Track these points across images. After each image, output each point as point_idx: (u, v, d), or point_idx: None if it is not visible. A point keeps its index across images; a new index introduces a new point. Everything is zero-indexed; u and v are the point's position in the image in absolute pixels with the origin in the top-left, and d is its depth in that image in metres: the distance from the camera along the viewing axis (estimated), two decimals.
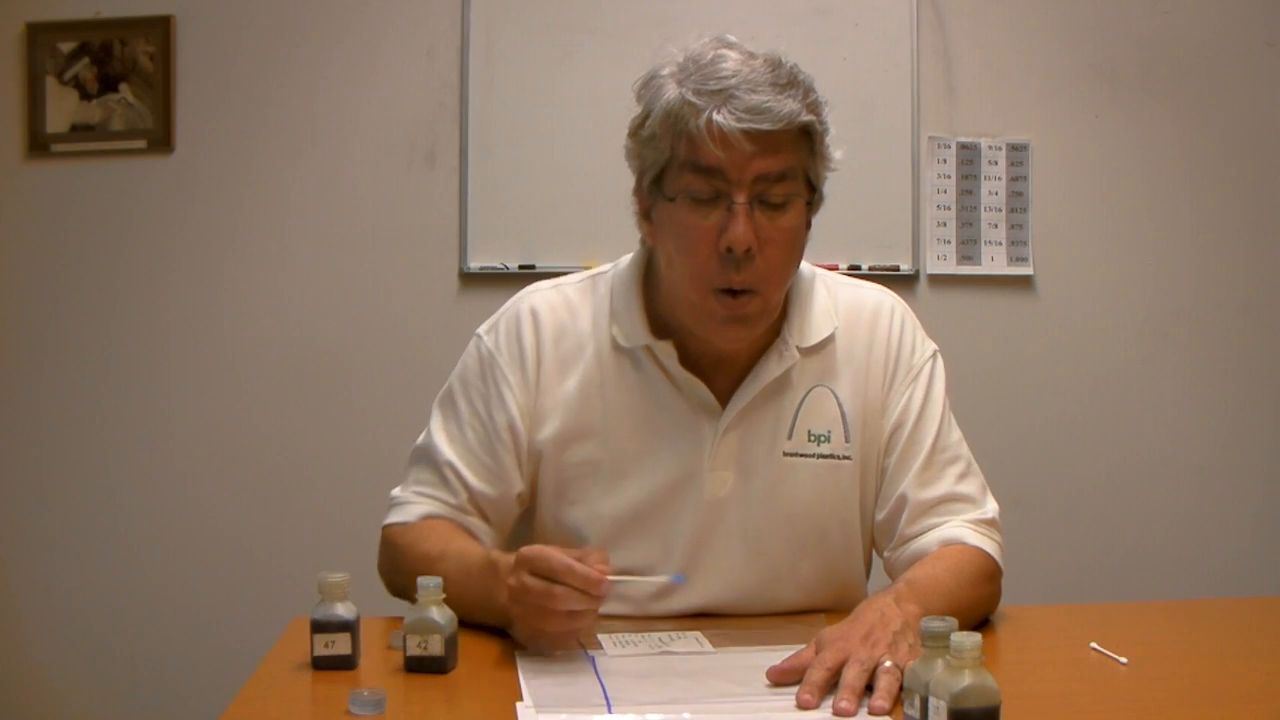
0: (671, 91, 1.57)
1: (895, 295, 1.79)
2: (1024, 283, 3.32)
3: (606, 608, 1.48)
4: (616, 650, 1.50)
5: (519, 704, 1.32)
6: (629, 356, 1.69)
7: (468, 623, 1.50)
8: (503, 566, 1.49)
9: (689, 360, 1.67)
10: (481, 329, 1.75)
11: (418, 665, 1.41)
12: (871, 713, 1.28)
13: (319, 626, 1.41)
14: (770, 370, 1.67)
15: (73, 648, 3.28)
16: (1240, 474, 3.34)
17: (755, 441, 1.68)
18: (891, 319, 1.74)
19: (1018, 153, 3.30)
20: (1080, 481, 3.33)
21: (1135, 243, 3.34)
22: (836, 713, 1.28)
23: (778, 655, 1.40)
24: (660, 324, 1.68)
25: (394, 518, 1.71)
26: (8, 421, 3.28)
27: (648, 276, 1.71)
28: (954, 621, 1.22)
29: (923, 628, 1.22)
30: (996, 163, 3.31)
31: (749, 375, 1.67)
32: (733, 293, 1.58)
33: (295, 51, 3.27)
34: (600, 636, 1.54)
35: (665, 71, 1.59)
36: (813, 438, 1.69)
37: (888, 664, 1.33)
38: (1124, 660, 1.48)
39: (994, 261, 3.31)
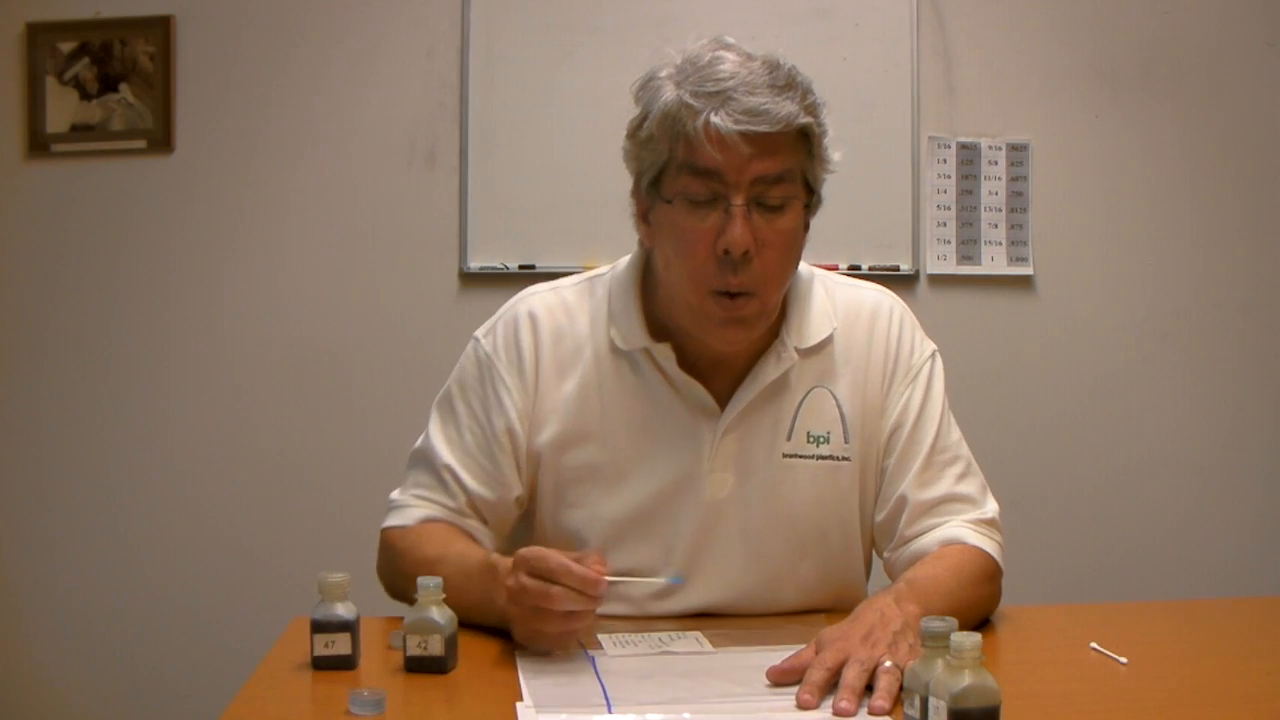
0: (669, 93, 1.56)
1: (894, 295, 1.78)
2: (1024, 283, 3.32)
3: (606, 608, 1.48)
4: (616, 650, 1.50)
5: (519, 704, 1.32)
6: (627, 359, 1.68)
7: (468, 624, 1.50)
8: (502, 569, 1.49)
9: (687, 362, 1.67)
10: (479, 332, 1.75)
11: (418, 665, 1.41)
12: (871, 713, 1.28)
13: (319, 626, 1.41)
14: (769, 372, 1.67)
15: (73, 648, 3.28)
16: (1240, 474, 3.34)
17: (754, 443, 1.68)
18: (890, 319, 1.74)
19: (1018, 153, 3.30)
20: (1080, 481, 3.33)
21: (1135, 243, 3.34)
22: (836, 713, 1.28)
23: (778, 655, 1.40)
24: (658, 326, 1.68)
25: (393, 521, 1.71)
26: (8, 421, 3.28)
27: (645, 278, 1.70)
28: (954, 621, 1.22)
29: (923, 628, 1.22)
30: (996, 163, 3.31)
31: (748, 377, 1.67)
32: (730, 295, 1.58)
33: (295, 51, 3.27)
34: (600, 636, 1.54)
35: (663, 73, 1.59)
36: (812, 439, 1.69)
37: (888, 664, 1.33)
38: (1124, 660, 1.48)
39: (994, 261, 3.31)
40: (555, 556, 1.43)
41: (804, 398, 1.69)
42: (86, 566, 3.27)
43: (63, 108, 3.24)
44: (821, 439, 1.69)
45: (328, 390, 3.27)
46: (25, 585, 3.29)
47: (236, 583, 3.22)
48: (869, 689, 1.31)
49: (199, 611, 3.23)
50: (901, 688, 1.28)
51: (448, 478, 1.68)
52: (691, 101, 1.54)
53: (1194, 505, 3.33)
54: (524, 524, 1.74)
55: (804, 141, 1.58)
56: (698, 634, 1.58)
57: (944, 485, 1.69)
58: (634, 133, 1.61)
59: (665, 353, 1.66)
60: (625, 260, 1.74)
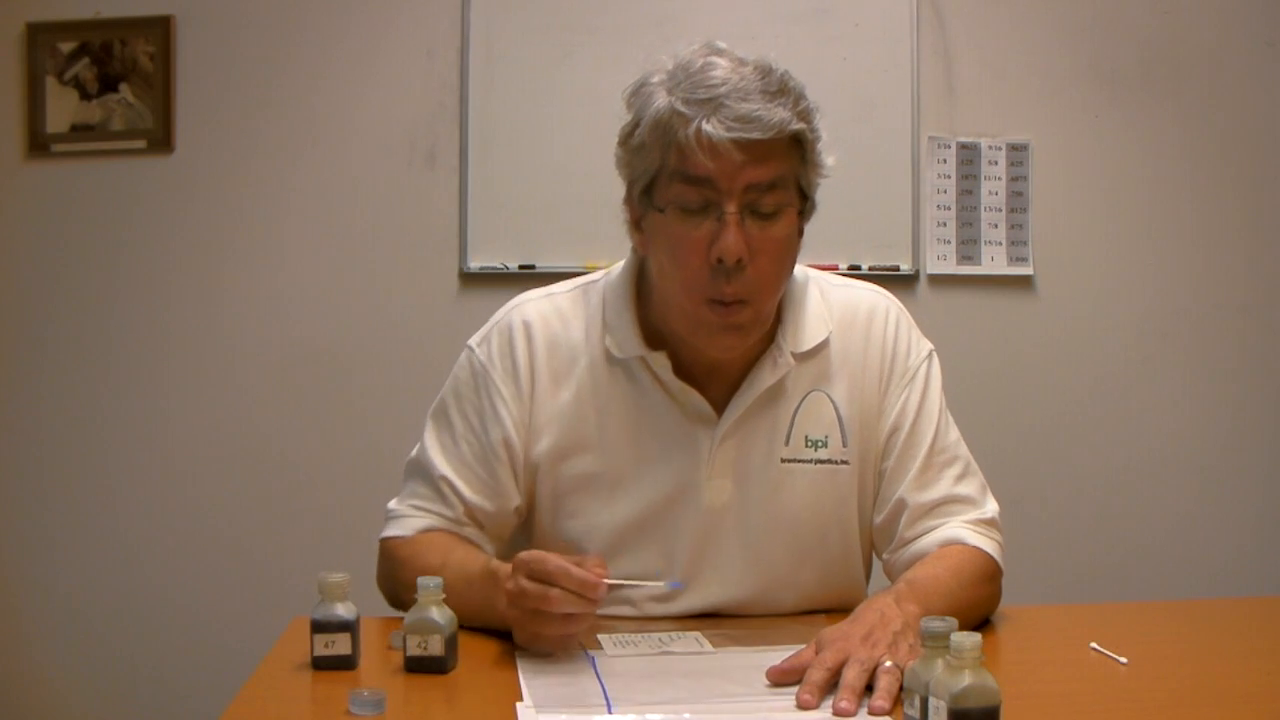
0: (661, 100, 1.55)
1: (889, 295, 1.77)
2: (1024, 283, 3.32)
3: (607, 609, 1.48)
4: (616, 650, 1.50)
5: (519, 704, 1.32)
6: (623, 367, 1.67)
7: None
8: (502, 574, 1.49)
9: (683, 370, 1.66)
10: (473, 340, 1.73)
11: (418, 665, 1.41)
12: (871, 713, 1.28)
13: (319, 626, 1.41)
14: (765, 378, 1.66)
15: (73, 648, 3.28)
16: (1240, 474, 3.34)
17: (752, 449, 1.67)
18: (886, 320, 1.73)
19: (1018, 153, 3.31)
20: (1080, 481, 3.33)
21: (1135, 243, 3.34)
22: (836, 713, 1.27)
23: (778, 655, 1.40)
24: (653, 333, 1.67)
25: (392, 531, 1.70)
26: (8, 421, 3.28)
27: (640, 285, 1.69)
28: (954, 621, 1.22)
29: (923, 628, 1.22)
30: (996, 163, 3.31)
31: (744, 383, 1.66)
32: (725, 303, 1.56)
33: (295, 51, 3.27)
34: (600, 637, 1.54)
35: (655, 79, 1.57)
36: (810, 443, 1.68)
37: (888, 664, 1.33)
38: (1124, 660, 1.48)
39: (994, 261, 3.31)
40: (554, 559, 1.43)
41: (801, 402, 1.68)
42: (86, 566, 3.27)
43: (63, 108, 3.24)
44: (819, 443, 1.68)
45: (328, 390, 3.27)
46: (25, 585, 3.29)
47: (236, 583, 3.22)
48: (869, 689, 1.31)
49: (199, 611, 3.23)
50: (901, 688, 1.28)
51: (445, 489, 1.67)
52: (683, 109, 1.52)
53: (1194, 505, 3.33)
54: (523, 532, 1.74)
55: (797, 147, 1.57)
56: (698, 634, 1.58)
57: (943, 486, 1.68)
58: (626, 140, 1.60)
59: (661, 361, 1.65)
60: (619, 266, 1.73)
